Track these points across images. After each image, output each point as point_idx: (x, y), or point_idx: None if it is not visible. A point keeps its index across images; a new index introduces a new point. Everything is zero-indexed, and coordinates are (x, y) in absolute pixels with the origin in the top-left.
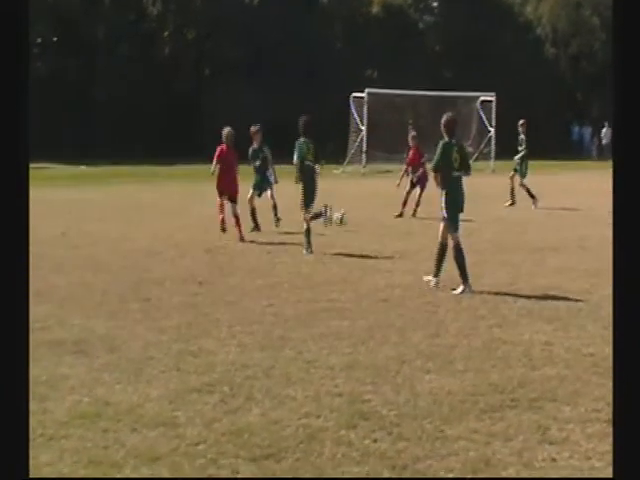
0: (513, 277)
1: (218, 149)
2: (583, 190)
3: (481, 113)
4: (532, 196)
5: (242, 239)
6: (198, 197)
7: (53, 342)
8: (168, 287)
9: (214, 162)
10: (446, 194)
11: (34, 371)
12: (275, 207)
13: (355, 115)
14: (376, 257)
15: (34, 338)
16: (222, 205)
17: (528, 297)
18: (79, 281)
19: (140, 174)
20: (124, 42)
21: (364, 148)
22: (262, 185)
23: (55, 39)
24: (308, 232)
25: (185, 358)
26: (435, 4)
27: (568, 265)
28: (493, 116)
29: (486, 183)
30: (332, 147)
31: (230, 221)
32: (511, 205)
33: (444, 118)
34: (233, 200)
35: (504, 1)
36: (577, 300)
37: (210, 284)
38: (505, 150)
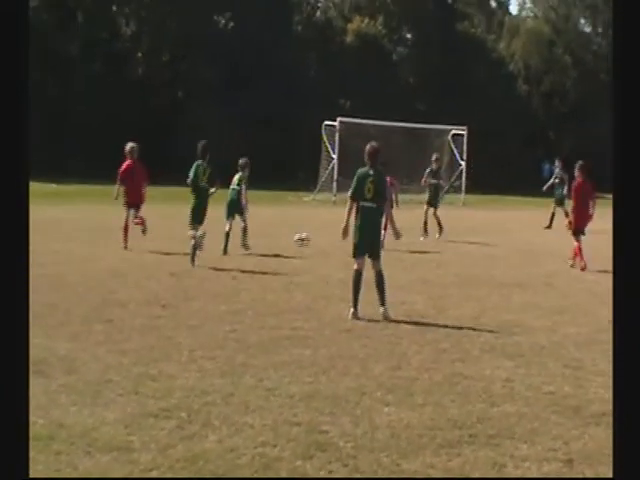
0: (478, 312)
1: (125, 164)
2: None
3: (452, 146)
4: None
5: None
6: (168, 219)
7: None
8: (132, 309)
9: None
10: (355, 221)
11: None
12: (245, 230)
13: (327, 143)
14: (342, 286)
15: None
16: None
17: (492, 332)
18: (43, 300)
19: (111, 194)
20: (97, 61)
21: (335, 176)
22: (233, 209)
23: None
24: (194, 248)
25: (144, 382)
26: (409, 36)
27: (533, 301)
28: (464, 149)
29: (456, 216)
30: (303, 176)
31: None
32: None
33: (368, 147)
34: (138, 208)
35: (477, 36)
36: (540, 337)
37: (174, 307)
38: (476, 183)
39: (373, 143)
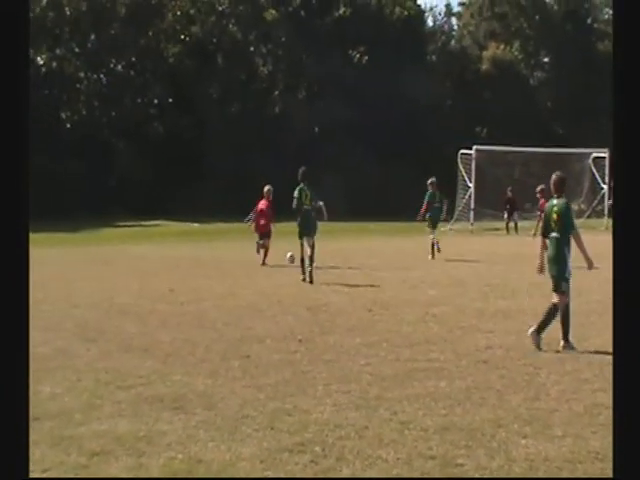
0: None
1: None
2: None
3: (593, 170)
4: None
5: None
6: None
7: (154, 398)
8: (269, 344)
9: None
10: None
11: (134, 426)
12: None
13: (463, 172)
14: (478, 316)
15: (136, 393)
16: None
17: None
18: (183, 337)
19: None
20: (237, 101)
21: (472, 205)
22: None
23: (170, 100)
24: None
25: (280, 416)
26: (546, 59)
27: None
28: (606, 172)
29: (599, 241)
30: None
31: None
32: None
33: (553, 176)
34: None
35: None
36: None
37: (309, 342)
38: None
39: (558, 173)
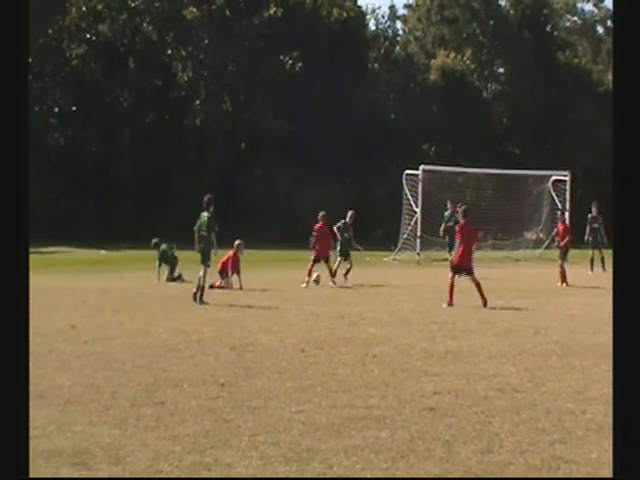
0: (583, 385)
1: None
2: None
3: (553, 194)
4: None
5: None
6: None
7: (51, 452)
8: (186, 389)
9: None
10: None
11: None
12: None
13: (408, 195)
14: (424, 357)
15: (30, 447)
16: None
17: (599, 409)
18: (86, 381)
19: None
20: (150, 111)
21: (418, 233)
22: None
23: (74, 108)
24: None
25: (198, 471)
26: (501, 70)
27: None
28: (567, 197)
29: (556, 274)
30: (380, 233)
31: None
32: None
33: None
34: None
35: (582, 67)
36: None
37: (233, 386)
38: (581, 236)
39: (209, 195)
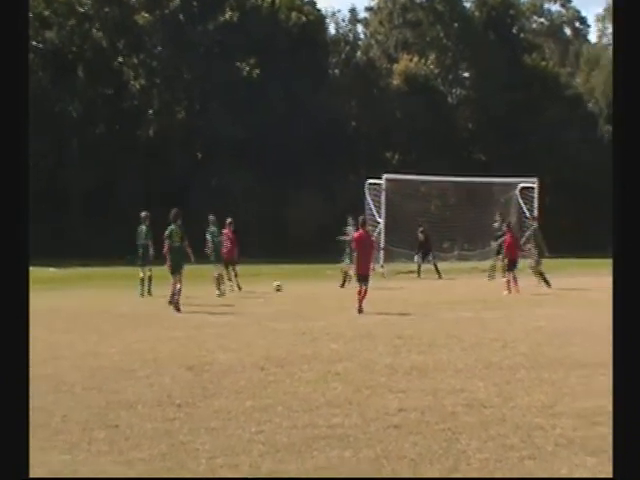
0: (552, 399)
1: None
2: None
3: (521, 202)
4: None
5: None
6: (182, 303)
7: None
8: (140, 411)
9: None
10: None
11: None
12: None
13: (371, 205)
14: (389, 373)
15: None
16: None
17: (569, 423)
18: (34, 405)
19: (117, 276)
20: (101, 122)
21: (382, 244)
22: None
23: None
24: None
25: None
26: (466, 74)
27: None
28: (535, 205)
29: (524, 284)
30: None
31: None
32: None
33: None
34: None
35: (549, 70)
36: None
37: (190, 407)
38: (549, 245)
39: (176, 209)
